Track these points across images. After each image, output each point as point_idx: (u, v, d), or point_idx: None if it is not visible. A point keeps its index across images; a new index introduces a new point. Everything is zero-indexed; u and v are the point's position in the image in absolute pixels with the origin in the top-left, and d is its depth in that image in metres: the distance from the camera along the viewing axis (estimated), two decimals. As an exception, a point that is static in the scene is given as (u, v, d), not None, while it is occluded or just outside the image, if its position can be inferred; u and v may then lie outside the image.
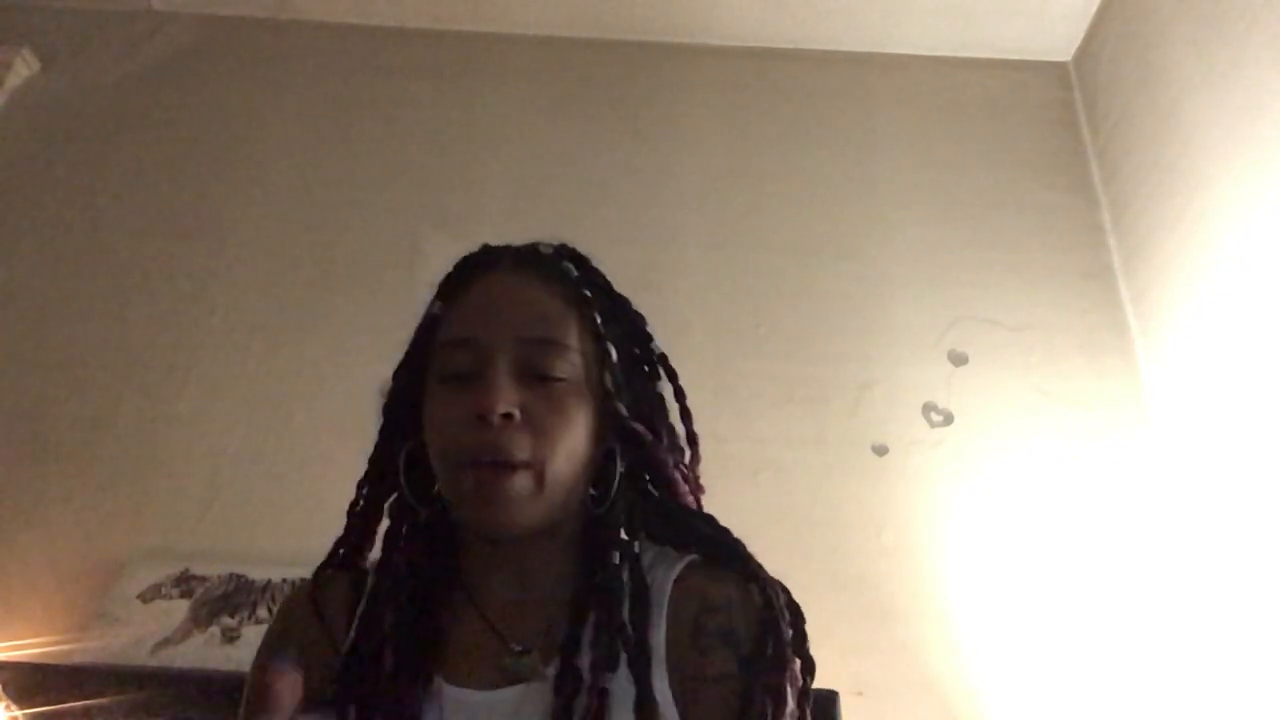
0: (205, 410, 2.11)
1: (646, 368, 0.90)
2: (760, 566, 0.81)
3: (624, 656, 0.74)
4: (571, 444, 0.78)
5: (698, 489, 0.90)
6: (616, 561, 0.79)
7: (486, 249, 0.89)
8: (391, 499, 0.87)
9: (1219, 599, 1.83)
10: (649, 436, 0.85)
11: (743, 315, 2.25)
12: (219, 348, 2.19)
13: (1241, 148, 1.86)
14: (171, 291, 2.27)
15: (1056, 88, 2.61)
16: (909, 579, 1.94)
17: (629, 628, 0.75)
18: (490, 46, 2.67)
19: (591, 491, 0.84)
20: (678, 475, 0.87)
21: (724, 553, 0.83)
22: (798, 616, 0.80)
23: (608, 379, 0.83)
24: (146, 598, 1.85)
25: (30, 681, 1.70)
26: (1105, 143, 2.43)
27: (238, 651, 1.78)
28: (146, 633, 1.80)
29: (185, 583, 1.87)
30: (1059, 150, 2.50)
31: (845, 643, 1.84)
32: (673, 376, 0.91)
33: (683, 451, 0.90)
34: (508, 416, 0.76)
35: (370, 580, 0.84)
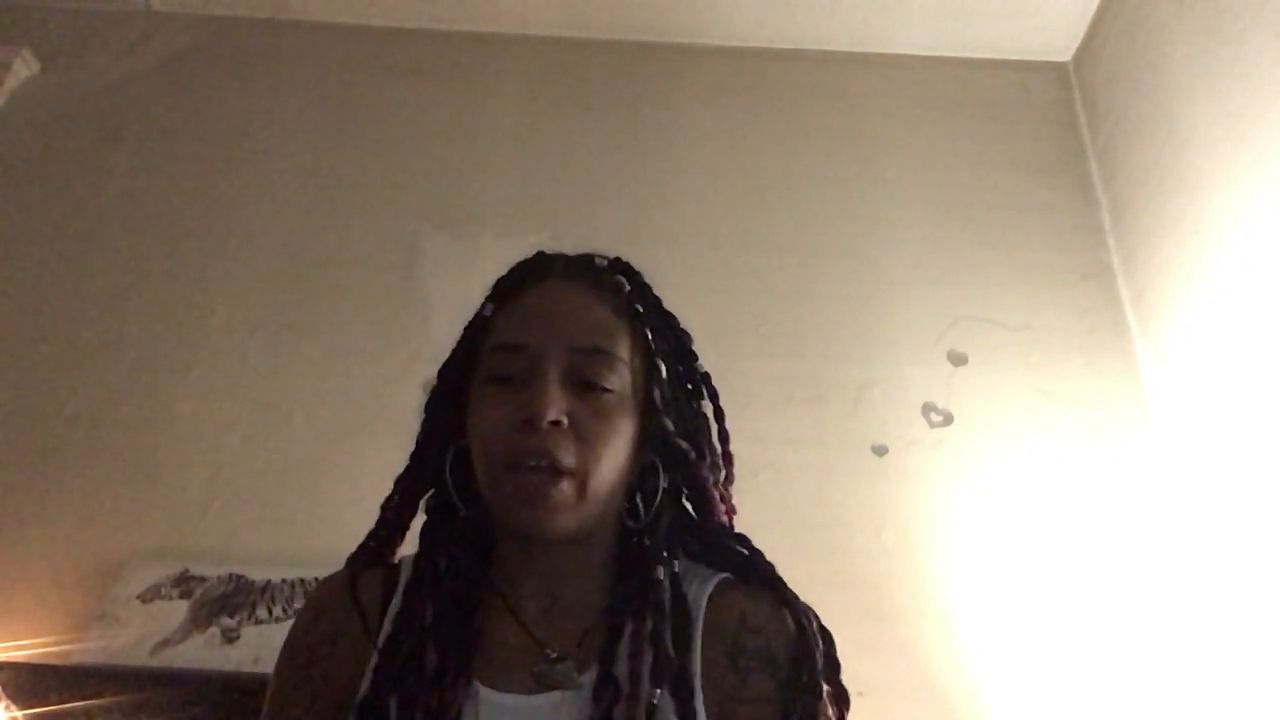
0: (205, 410, 2.11)
1: (690, 386, 0.91)
2: (792, 592, 0.82)
3: (666, 675, 0.74)
4: (614, 455, 0.79)
5: (731, 509, 0.91)
6: (660, 577, 0.79)
7: (541, 255, 0.90)
8: (429, 496, 0.88)
9: (1219, 599, 1.83)
10: (693, 453, 0.86)
11: (743, 315, 2.25)
12: (219, 348, 2.19)
13: (1241, 148, 1.86)
14: (171, 291, 2.27)
15: (1056, 88, 2.61)
16: (909, 579, 1.94)
17: (670, 647, 0.76)
18: (490, 46, 2.67)
19: (629, 505, 0.84)
20: (716, 494, 0.88)
21: (757, 574, 0.84)
22: (829, 643, 0.81)
23: (656, 394, 0.85)
24: (146, 598, 1.85)
25: (30, 681, 1.70)
26: (1105, 143, 2.43)
27: (237, 652, 1.78)
28: (146, 633, 1.80)
29: (185, 583, 1.87)
30: (1059, 150, 2.50)
31: (845, 643, 1.82)
32: (714, 396, 0.93)
33: (721, 470, 0.90)
34: (555, 423, 0.77)
35: (407, 574, 0.83)
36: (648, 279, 0.92)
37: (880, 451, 2.08)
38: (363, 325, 2.20)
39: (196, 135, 2.51)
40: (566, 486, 0.77)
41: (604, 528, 0.83)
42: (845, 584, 1.92)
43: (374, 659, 0.78)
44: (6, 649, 1.78)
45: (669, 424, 0.84)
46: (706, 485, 0.87)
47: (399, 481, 0.90)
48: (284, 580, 1.85)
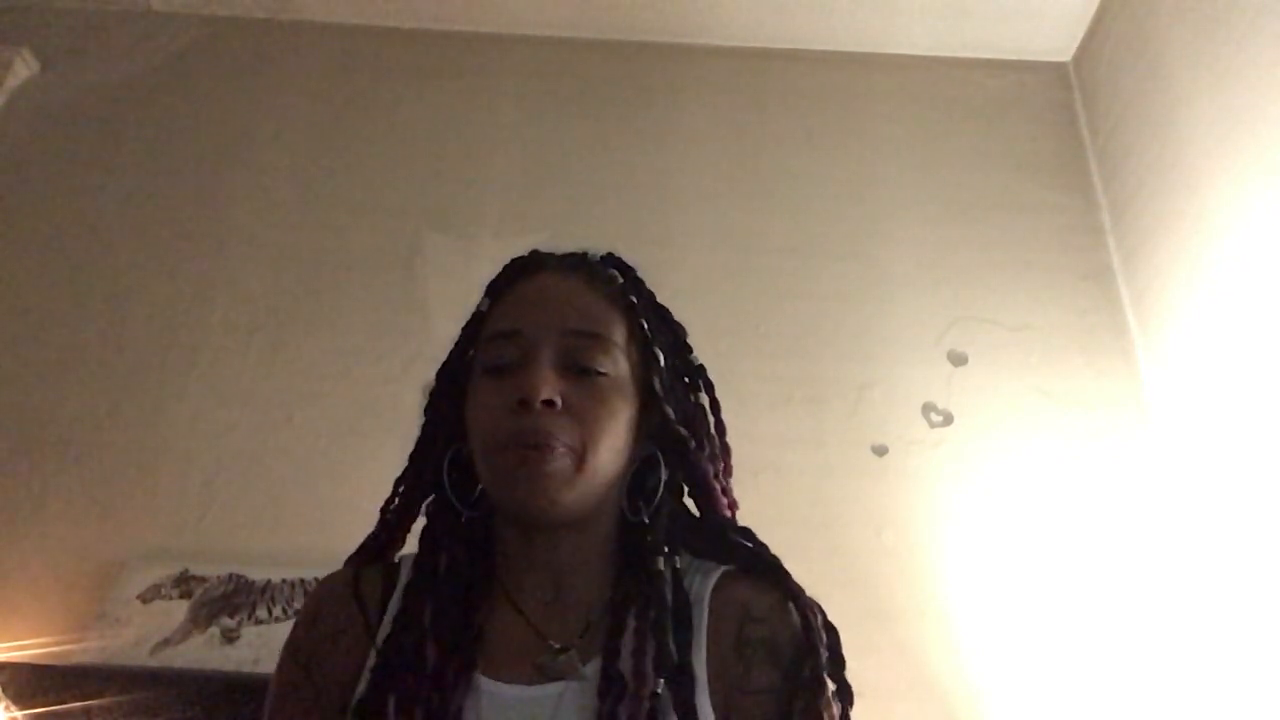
0: (205, 410, 2.11)
1: (687, 378, 0.91)
2: (797, 585, 0.82)
3: (667, 668, 0.74)
4: (611, 437, 0.80)
5: (733, 503, 0.91)
6: (660, 568, 0.79)
7: (535, 252, 0.91)
8: (430, 499, 0.88)
9: (1219, 599, 1.83)
10: (693, 442, 0.86)
11: (743, 315, 2.25)
12: (219, 348, 2.19)
13: (1241, 148, 1.86)
14: (171, 291, 2.27)
15: (1056, 88, 2.61)
16: (909, 579, 1.94)
17: (671, 643, 0.76)
18: (490, 46, 2.67)
19: (627, 497, 0.85)
20: (717, 486, 0.88)
21: (762, 566, 0.84)
22: (834, 638, 0.81)
23: (656, 382, 0.85)
24: (146, 598, 1.85)
25: (30, 681, 1.70)
26: (1105, 143, 2.43)
27: (237, 652, 1.78)
28: (146, 633, 1.80)
29: (185, 583, 1.87)
30: (1059, 150, 2.50)
31: (845, 643, 1.83)
32: (710, 388, 0.93)
33: (720, 461, 0.91)
34: (549, 404, 0.77)
35: (407, 574, 0.84)
36: (642, 275, 0.92)
37: (880, 451, 2.08)
38: (363, 325, 2.20)
39: (196, 135, 2.51)
40: (564, 461, 0.77)
41: (604, 517, 0.83)
42: (845, 584, 1.91)
43: (373, 658, 0.78)
44: (6, 649, 1.78)
45: (670, 412, 0.85)
46: (707, 476, 0.87)
47: (398, 483, 0.90)
48: (284, 580, 1.85)
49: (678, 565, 0.81)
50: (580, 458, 0.77)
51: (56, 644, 1.80)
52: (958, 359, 2.19)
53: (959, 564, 1.94)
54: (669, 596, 0.78)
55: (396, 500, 0.89)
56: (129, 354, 2.18)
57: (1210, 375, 1.93)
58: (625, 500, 0.85)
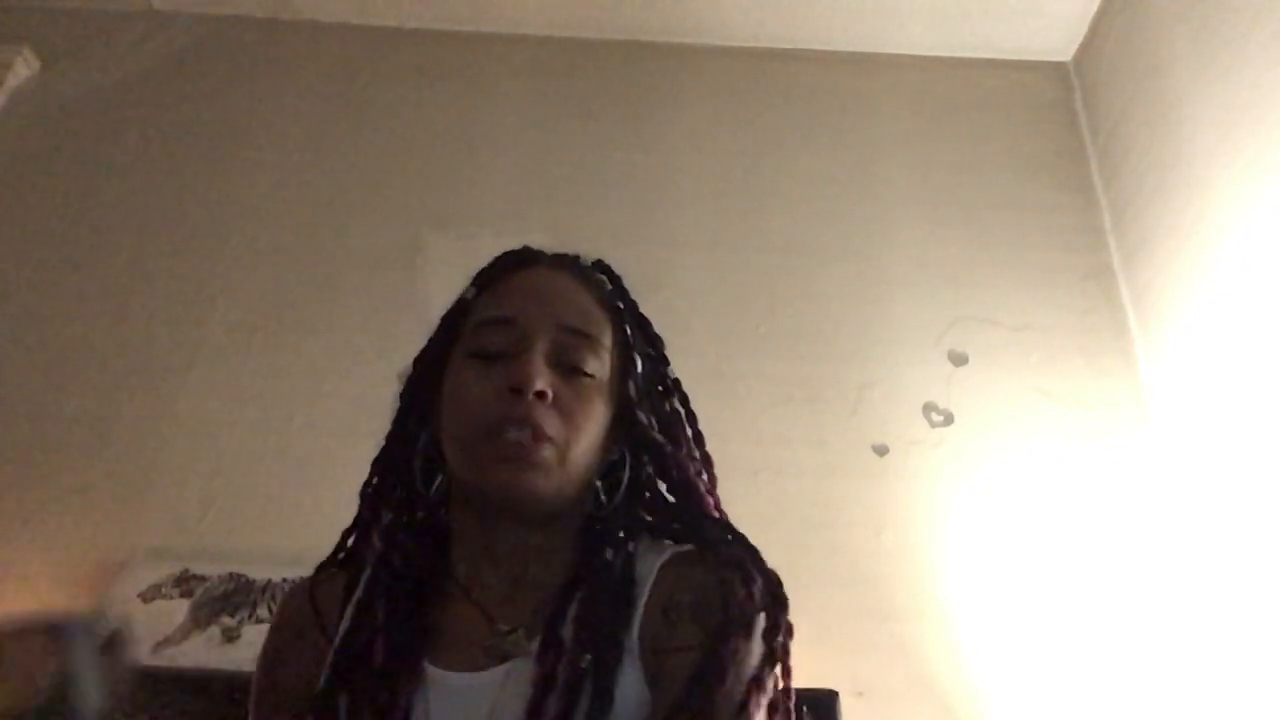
0: (205, 410, 2.11)
1: (661, 388, 0.91)
2: (750, 559, 0.80)
3: (595, 639, 0.74)
4: (590, 437, 0.81)
5: (718, 505, 0.90)
6: (609, 557, 0.79)
7: (526, 247, 0.92)
8: (389, 493, 0.88)
9: (1219, 599, 1.83)
10: (669, 445, 0.87)
11: (743, 315, 2.25)
12: (219, 348, 2.19)
13: (1241, 148, 1.86)
14: (171, 291, 2.27)
15: (1056, 88, 2.61)
16: (909, 579, 1.94)
17: (606, 620, 0.75)
18: (490, 46, 2.67)
19: (600, 497, 0.85)
20: (700, 485, 0.88)
21: (714, 546, 0.82)
22: (779, 608, 0.78)
23: (631, 388, 0.85)
24: (146, 598, 1.85)
25: (30, 681, 1.70)
26: (1105, 143, 2.43)
27: (238, 651, 1.78)
28: (146, 633, 1.80)
29: (185, 583, 1.87)
30: (1059, 150, 2.50)
31: (845, 643, 1.84)
32: (685, 401, 0.93)
33: (701, 467, 0.90)
34: (541, 395, 0.77)
35: (366, 574, 0.84)
36: (634, 280, 0.93)
37: (880, 451, 2.08)
38: (363, 325, 2.20)
39: (197, 135, 2.51)
40: (549, 451, 0.77)
41: (570, 515, 0.83)
42: (845, 584, 1.92)
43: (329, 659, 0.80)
44: (7, 649, 1.78)
45: (643, 417, 0.86)
46: (689, 475, 0.87)
47: (375, 464, 0.90)
48: (284, 580, 1.85)
49: (631, 549, 0.81)
50: (564, 451, 0.78)
51: (56, 644, 1.80)
52: (958, 359, 2.19)
53: (959, 564, 1.94)
54: (617, 578, 0.78)
55: (375, 481, 0.90)
56: (129, 354, 2.18)
57: (1210, 375, 1.93)
58: (596, 498, 0.85)
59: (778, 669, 0.76)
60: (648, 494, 0.88)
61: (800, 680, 0.78)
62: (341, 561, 0.89)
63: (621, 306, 0.89)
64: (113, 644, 0.73)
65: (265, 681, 0.84)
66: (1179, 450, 2.02)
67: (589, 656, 0.73)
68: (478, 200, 2.40)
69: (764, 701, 0.73)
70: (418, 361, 0.90)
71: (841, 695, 1.71)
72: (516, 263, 0.89)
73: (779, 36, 2.65)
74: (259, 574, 1.88)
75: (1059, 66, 2.64)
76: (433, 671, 0.77)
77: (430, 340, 0.90)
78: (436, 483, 0.86)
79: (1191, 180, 2.03)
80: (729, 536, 0.83)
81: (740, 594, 0.75)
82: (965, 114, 2.56)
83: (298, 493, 1.98)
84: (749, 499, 2.11)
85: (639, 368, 0.87)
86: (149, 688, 1.70)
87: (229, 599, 1.85)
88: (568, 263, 0.90)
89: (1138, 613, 1.87)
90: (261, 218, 2.39)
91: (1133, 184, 2.28)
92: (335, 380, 2.13)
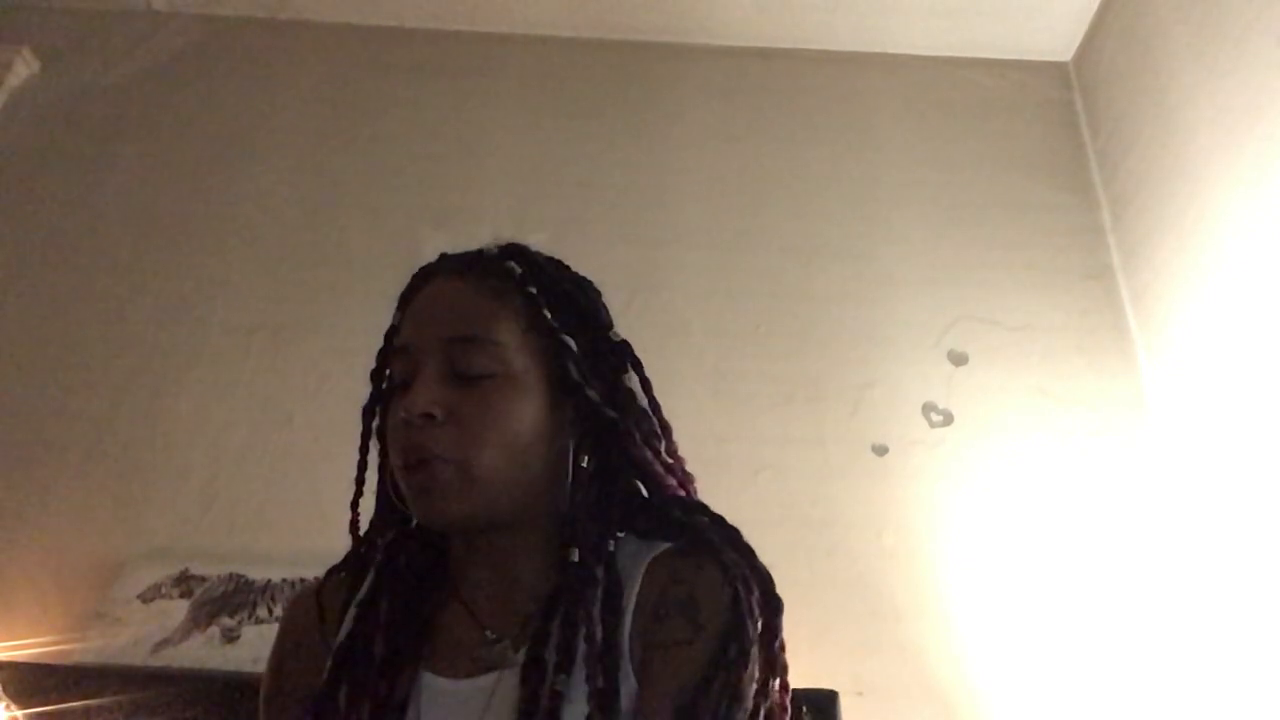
0: (205, 410, 2.11)
1: (611, 359, 0.87)
2: (737, 556, 0.79)
3: (582, 653, 0.74)
4: (503, 439, 0.78)
5: (685, 479, 0.89)
6: (575, 560, 0.78)
7: (442, 256, 0.90)
8: (386, 507, 0.88)
9: (1219, 598, 1.83)
10: (622, 424, 0.83)
11: (743, 315, 2.25)
12: (219, 348, 2.19)
13: (1241, 148, 1.86)
14: (171, 291, 2.27)
15: (1056, 88, 2.61)
16: (909, 579, 1.94)
17: (598, 626, 0.75)
18: (490, 46, 2.67)
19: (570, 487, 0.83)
20: (658, 466, 0.86)
21: (699, 542, 0.81)
22: (774, 613, 0.77)
23: (572, 370, 0.82)
24: (146, 598, 1.85)
25: (30, 681, 1.70)
26: (1105, 143, 2.43)
27: (237, 651, 1.78)
28: (146, 633, 1.80)
29: (185, 583, 1.87)
30: (1059, 150, 2.50)
31: (845, 643, 1.84)
32: (637, 366, 0.88)
33: (660, 440, 0.88)
34: (429, 416, 0.77)
35: (372, 576, 0.85)
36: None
37: (880, 451, 2.08)
38: (363, 325, 2.18)
39: (197, 135, 2.51)
40: (448, 475, 0.76)
41: (543, 512, 0.82)
42: (845, 584, 1.92)
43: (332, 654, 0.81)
44: (6, 649, 1.78)
45: (593, 397, 0.83)
46: (644, 456, 0.85)
47: (353, 504, 0.91)
48: (284, 580, 1.85)
49: (610, 548, 0.80)
50: (463, 466, 0.76)
51: (56, 644, 1.80)
52: (958, 359, 2.19)
53: (959, 564, 1.94)
54: (600, 583, 0.77)
55: (358, 514, 0.91)
56: (129, 354, 2.18)
57: (1210, 375, 1.93)
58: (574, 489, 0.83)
59: (777, 672, 0.76)
60: (621, 480, 0.86)
61: (800, 680, 0.78)
62: (346, 567, 0.89)
63: (534, 290, 0.84)
64: None
65: (273, 683, 0.86)
66: (1179, 450, 2.02)
67: (564, 678, 0.72)
68: (478, 200, 2.40)
69: (764, 709, 0.74)
70: (372, 379, 0.90)
71: (841, 695, 1.71)
72: (419, 280, 0.88)
73: (779, 36, 2.65)
74: (258, 574, 1.88)
75: (1059, 66, 2.64)
76: (426, 677, 0.78)
77: (371, 371, 0.90)
78: None
79: (1191, 180, 2.03)
80: (705, 519, 0.82)
81: (743, 603, 0.75)
82: (965, 114, 2.56)
83: (298, 493, 1.98)
84: (749, 499, 2.13)
85: (573, 347, 0.84)
86: (149, 688, 1.70)
87: (229, 599, 1.85)
88: (464, 264, 0.87)
89: (1138, 612, 1.87)
90: (261, 218, 2.39)
91: (1133, 184, 2.28)
92: (335, 380, 2.13)
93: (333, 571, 0.90)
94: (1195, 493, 1.95)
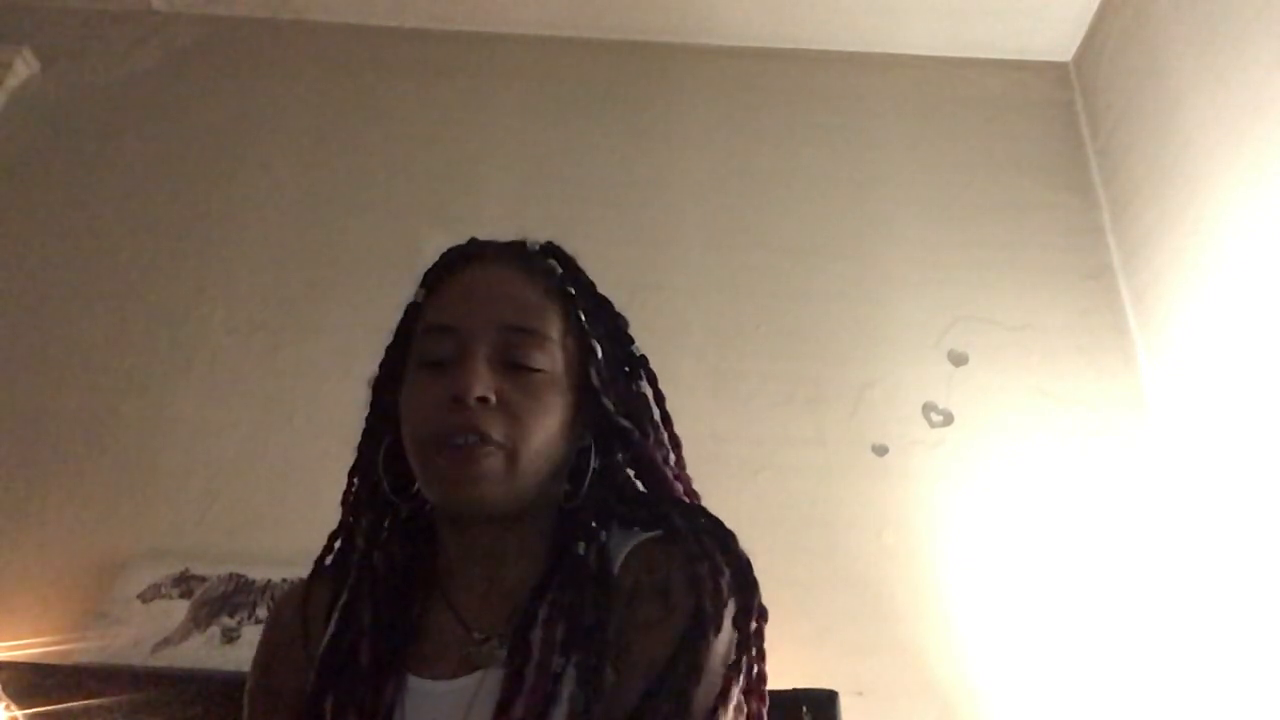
0: (205, 410, 2.11)
1: (628, 368, 0.90)
2: (710, 541, 0.79)
3: (575, 644, 0.74)
4: (545, 432, 0.79)
5: (691, 493, 0.90)
6: (581, 552, 0.79)
7: (473, 241, 0.90)
8: (369, 495, 0.88)
9: (1219, 599, 1.83)
10: (636, 433, 0.85)
11: (743, 315, 2.25)
12: (219, 348, 2.19)
13: (1241, 148, 1.86)
14: (171, 291, 2.27)
15: (1056, 88, 2.61)
16: (909, 579, 1.94)
17: (586, 614, 0.75)
18: (490, 46, 2.67)
19: (567, 487, 0.84)
20: (668, 472, 0.87)
21: (673, 529, 0.81)
22: (748, 592, 0.77)
23: (594, 375, 0.84)
24: (146, 598, 1.85)
25: (30, 681, 1.70)
26: (1105, 143, 2.43)
27: (237, 651, 1.77)
28: (146, 633, 1.80)
29: (185, 583, 1.87)
30: (1059, 150, 2.50)
31: (845, 643, 1.84)
32: (653, 380, 0.90)
33: (668, 451, 0.89)
34: (483, 400, 0.77)
35: (351, 576, 0.85)
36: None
37: (880, 451, 2.08)
38: (363, 325, 2.19)
39: (197, 135, 2.51)
40: (496, 458, 0.76)
41: (541, 510, 0.83)
42: (845, 584, 1.92)
43: (317, 661, 0.80)
44: (6, 649, 1.78)
45: (609, 404, 0.84)
46: (656, 462, 0.86)
47: (351, 475, 0.91)
48: (284, 580, 1.85)
49: (602, 540, 0.81)
50: (512, 454, 0.77)
51: (56, 644, 1.80)
52: (958, 359, 2.19)
53: (959, 564, 1.94)
54: (592, 573, 0.78)
55: (354, 489, 0.90)
56: (129, 354, 2.18)
57: (1210, 375, 1.93)
58: (567, 488, 0.84)
59: (752, 652, 0.76)
60: (619, 480, 0.87)
61: (800, 680, 0.79)
62: (332, 567, 0.89)
63: (573, 291, 0.86)
64: None
65: (257, 683, 0.86)
66: (1179, 450, 2.02)
67: (563, 661, 0.72)
68: (478, 200, 2.40)
69: (739, 687, 0.73)
70: (380, 367, 0.90)
71: (841, 695, 1.71)
72: (459, 261, 0.87)
73: (779, 36, 2.65)
74: (258, 574, 1.88)
75: (1059, 66, 2.64)
76: (410, 679, 0.78)
77: (388, 346, 0.90)
78: (416, 485, 0.85)
79: (1191, 180, 2.03)
80: (701, 520, 0.83)
81: (709, 583, 0.75)
82: (965, 114, 2.56)
83: (298, 493, 1.98)
84: (749, 499, 2.13)
85: (599, 353, 0.85)
86: (149, 688, 1.70)
87: (228, 599, 1.85)
88: (511, 253, 0.87)
89: (1138, 612, 1.87)
90: (261, 218, 2.39)
91: (1133, 184, 2.28)
92: (335, 380, 2.12)
93: (315, 573, 0.89)
94: (1195, 493, 1.95)
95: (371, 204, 2.41)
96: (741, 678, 0.74)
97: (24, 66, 2.54)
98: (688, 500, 0.88)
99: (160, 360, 2.17)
